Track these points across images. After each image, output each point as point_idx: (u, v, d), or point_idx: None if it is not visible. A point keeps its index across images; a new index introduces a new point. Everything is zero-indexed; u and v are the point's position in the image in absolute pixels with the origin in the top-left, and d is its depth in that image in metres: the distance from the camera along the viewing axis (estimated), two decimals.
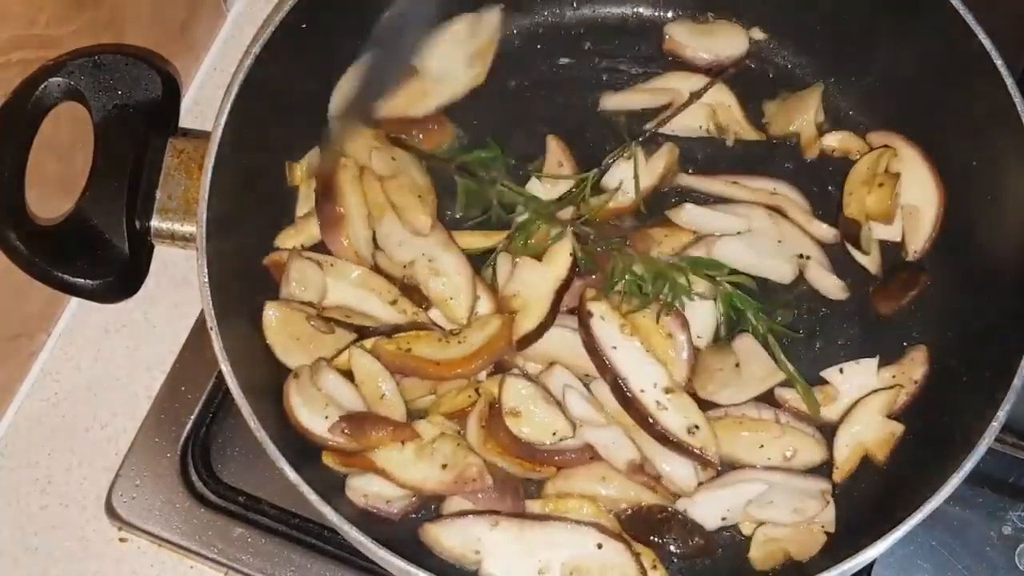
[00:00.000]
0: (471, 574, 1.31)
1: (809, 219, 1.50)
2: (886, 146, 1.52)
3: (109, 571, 1.52)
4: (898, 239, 1.51)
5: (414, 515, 1.37)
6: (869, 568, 1.45)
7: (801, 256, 1.48)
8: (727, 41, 1.61)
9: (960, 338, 1.44)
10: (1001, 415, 1.23)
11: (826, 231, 1.50)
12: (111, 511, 1.50)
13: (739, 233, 1.47)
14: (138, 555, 1.52)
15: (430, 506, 1.38)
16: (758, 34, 1.62)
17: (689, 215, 1.48)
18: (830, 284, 1.47)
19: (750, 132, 1.57)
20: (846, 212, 1.49)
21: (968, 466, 1.21)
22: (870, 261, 1.49)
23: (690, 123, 1.56)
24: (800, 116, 1.56)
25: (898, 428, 1.40)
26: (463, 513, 1.33)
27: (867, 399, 1.41)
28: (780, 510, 1.35)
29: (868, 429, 1.40)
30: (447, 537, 1.30)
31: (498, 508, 1.34)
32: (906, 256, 1.50)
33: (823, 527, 1.35)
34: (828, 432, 1.42)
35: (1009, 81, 1.35)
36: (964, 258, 1.47)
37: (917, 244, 1.50)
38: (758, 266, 1.47)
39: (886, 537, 1.21)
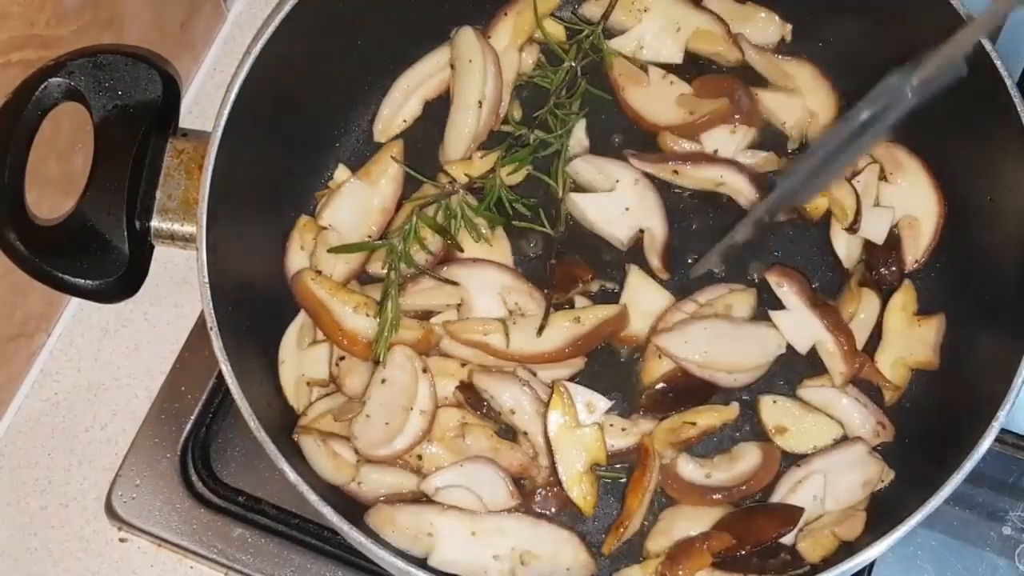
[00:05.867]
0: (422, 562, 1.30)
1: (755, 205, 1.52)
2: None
3: (109, 571, 1.52)
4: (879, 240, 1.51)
5: None
6: (869, 568, 1.45)
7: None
8: (762, 28, 1.60)
9: (960, 337, 1.44)
10: (1001, 415, 1.23)
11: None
12: (111, 511, 1.50)
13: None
14: (138, 555, 1.52)
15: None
16: (788, 33, 1.62)
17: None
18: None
19: None
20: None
21: (968, 466, 1.21)
22: (846, 256, 1.50)
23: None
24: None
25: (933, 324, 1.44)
26: (415, 499, 1.35)
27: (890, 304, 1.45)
28: (852, 491, 1.36)
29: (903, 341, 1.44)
30: (400, 517, 1.31)
31: None
32: (905, 267, 1.50)
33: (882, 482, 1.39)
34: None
35: (1009, 81, 1.35)
36: (964, 258, 1.47)
37: (916, 254, 1.50)
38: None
39: (886, 537, 1.21)
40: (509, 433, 1.42)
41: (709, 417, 1.41)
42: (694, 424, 1.40)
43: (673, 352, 1.42)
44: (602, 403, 1.40)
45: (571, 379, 1.43)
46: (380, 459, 1.36)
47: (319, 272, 1.44)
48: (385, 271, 1.45)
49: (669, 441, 1.39)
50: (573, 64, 1.58)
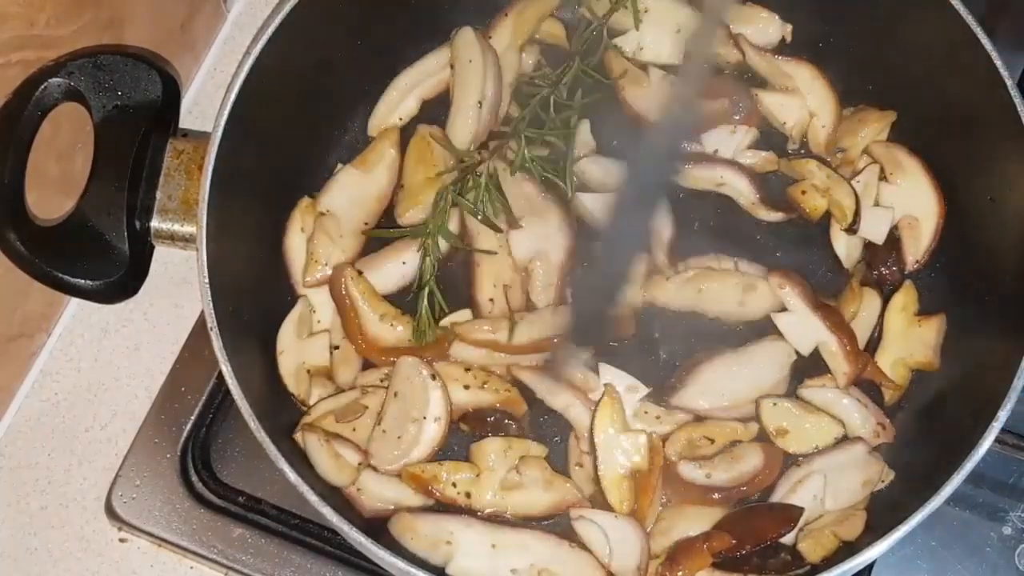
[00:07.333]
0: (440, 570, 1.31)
1: (755, 206, 1.52)
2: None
3: (109, 571, 1.52)
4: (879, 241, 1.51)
5: None
6: (869, 568, 1.45)
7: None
8: (762, 28, 1.61)
9: (960, 337, 1.44)
10: (1001, 415, 1.23)
11: (771, 215, 1.52)
12: (111, 511, 1.50)
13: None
14: (138, 555, 1.52)
15: None
16: (788, 33, 1.62)
17: None
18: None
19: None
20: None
21: (968, 466, 1.22)
22: (846, 257, 1.51)
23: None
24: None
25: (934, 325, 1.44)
26: (437, 508, 1.35)
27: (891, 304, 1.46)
28: (852, 491, 1.36)
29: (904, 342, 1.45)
30: (421, 525, 1.31)
31: None
32: (905, 267, 1.51)
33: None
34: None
35: (1009, 82, 1.35)
36: (964, 258, 1.47)
37: (917, 254, 1.51)
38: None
39: (886, 537, 1.21)
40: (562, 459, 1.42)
41: (727, 435, 1.41)
42: (712, 442, 1.40)
43: (696, 408, 1.42)
44: (643, 389, 1.42)
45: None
46: (398, 472, 1.36)
47: (361, 273, 1.45)
48: (419, 257, 1.46)
49: (683, 454, 1.39)
50: (576, 57, 1.56)
